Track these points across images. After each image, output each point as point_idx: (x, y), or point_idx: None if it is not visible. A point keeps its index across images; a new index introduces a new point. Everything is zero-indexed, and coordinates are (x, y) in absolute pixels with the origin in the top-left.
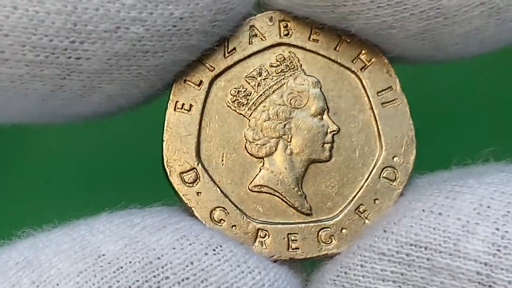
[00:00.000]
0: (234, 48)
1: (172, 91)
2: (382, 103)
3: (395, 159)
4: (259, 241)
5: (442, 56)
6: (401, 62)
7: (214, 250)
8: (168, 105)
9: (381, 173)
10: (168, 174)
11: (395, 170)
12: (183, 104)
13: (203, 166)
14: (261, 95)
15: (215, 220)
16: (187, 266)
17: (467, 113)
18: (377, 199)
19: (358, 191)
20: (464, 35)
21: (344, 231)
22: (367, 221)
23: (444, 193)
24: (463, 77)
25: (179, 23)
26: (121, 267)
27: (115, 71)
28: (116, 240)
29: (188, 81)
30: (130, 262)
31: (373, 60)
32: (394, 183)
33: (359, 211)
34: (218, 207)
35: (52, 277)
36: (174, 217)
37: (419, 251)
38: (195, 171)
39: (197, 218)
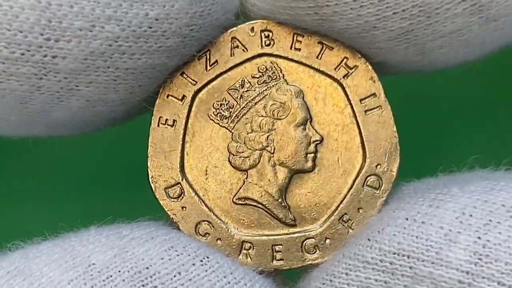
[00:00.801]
0: (216, 61)
1: (155, 107)
2: (365, 111)
3: (378, 167)
4: (244, 253)
5: (428, 62)
6: (386, 70)
7: (201, 261)
8: (152, 120)
9: (364, 182)
10: (153, 189)
11: (378, 178)
12: (166, 119)
13: (187, 180)
14: (244, 107)
15: (200, 234)
16: (175, 276)
17: (453, 120)
18: (361, 208)
19: (342, 201)
20: (448, 36)
21: (328, 241)
22: (351, 230)
23: (427, 202)
24: (450, 83)
25: (155, 24)
26: (111, 276)
27: (92, 72)
28: (105, 250)
29: (171, 96)
30: (119, 271)
31: (356, 66)
32: (378, 192)
33: (343, 221)
34: (203, 220)
35: (43, 285)
36: (162, 230)
37: (402, 260)
38: (180, 186)
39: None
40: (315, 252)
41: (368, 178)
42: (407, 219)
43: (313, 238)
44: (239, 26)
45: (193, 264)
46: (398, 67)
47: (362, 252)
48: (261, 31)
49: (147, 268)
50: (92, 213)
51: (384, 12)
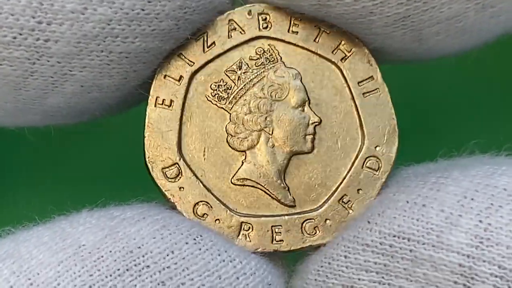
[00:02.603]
0: (214, 43)
1: (152, 87)
2: (363, 93)
3: (377, 148)
4: (243, 234)
5: (425, 49)
6: (384, 58)
7: (195, 239)
8: (149, 101)
9: (363, 163)
10: (150, 170)
11: (378, 160)
12: (163, 99)
13: (185, 161)
14: (242, 88)
15: (198, 215)
16: (167, 255)
17: (453, 105)
18: (360, 189)
19: (341, 182)
20: (445, 22)
21: (328, 222)
22: (351, 211)
23: (428, 185)
24: (450, 66)
25: (148, 7)
26: (102, 256)
27: (85, 56)
28: (96, 231)
29: (168, 76)
30: (110, 251)
31: (353, 50)
32: (377, 173)
33: (343, 202)
34: (201, 201)
35: (32, 267)
36: (154, 209)
37: (402, 242)
38: (177, 166)
39: (180, 213)
40: (315, 234)
41: (367, 159)
42: (407, 202)
43: (313, 219)
44: (236, 9)
45: (186, 243)
46: (395, 54)
47: (361, 235)
48: (259, 14)
49: (139, 247)
50: (86, 200)
51: None
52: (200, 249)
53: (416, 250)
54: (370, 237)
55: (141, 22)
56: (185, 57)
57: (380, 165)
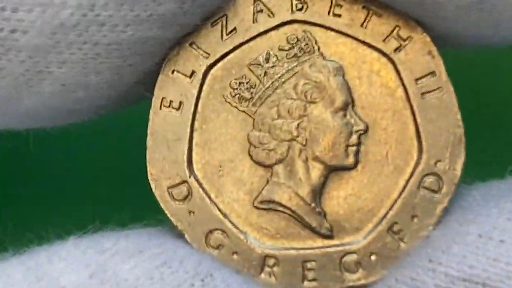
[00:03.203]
0: (235, 28)
1: (156, 85)
2: (422, 93)
3: (438, 164)
4: (267, 271)
5: (501, 36)
6: (448, 45)
7: (203, 280)
8: (152, 102)
9: (420, 182)
10: (153, 189)
11: (438, 179)
12: (170, 101)
13: (196, 178)
14: (269, 87)
15: (211, 246)
16: None
17: None
18: (415, 215)
19: (392, 206)
20: None
21: (373, 257)
22: (403, 244)
23: (505, 214)
24: None
25: None
26: None
27: (64, 50)
28: (80, 269)
29: (177, 71)
30: None
31: (410, 38)
32: (437, 195)
33: (392, 232)
34: (216, 229)
35: None
36: (155, 240)
37: None
38: (187, 185)
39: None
40: (357, 271)
41: (425, 178)
42: (480, 236)
43: (354, 253)
44: None
45: (192, 285)
46: (463, 41)
47: (422, 277)
48: None
49: None
50: (93, 214)
51: None
52: None
53: None
54: (433, 280)
55: (133, 7)
56: (198, 47)
57: (441, 185)
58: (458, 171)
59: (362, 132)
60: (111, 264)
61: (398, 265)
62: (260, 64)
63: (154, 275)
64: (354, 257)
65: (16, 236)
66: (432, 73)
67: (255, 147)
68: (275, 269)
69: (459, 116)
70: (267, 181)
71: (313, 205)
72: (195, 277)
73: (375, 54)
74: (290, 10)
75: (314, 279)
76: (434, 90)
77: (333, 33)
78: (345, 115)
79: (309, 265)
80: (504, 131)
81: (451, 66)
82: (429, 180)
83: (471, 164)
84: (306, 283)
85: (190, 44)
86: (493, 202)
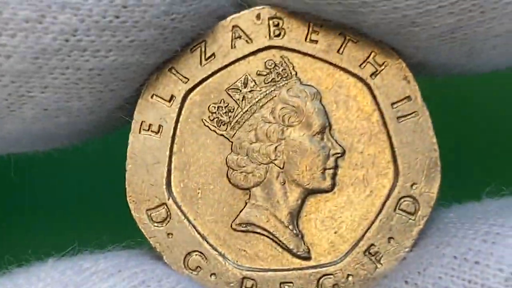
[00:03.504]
0: (213, 54)
1: (136, 109)
2: (397, 117)
3: (414, 187)
4: None
5: (475, 64)
6: (423, 72)
7: None
8: (132, 126)
9: (397, 205)
10: (132, 211)
11: (414, 201)
12: (150, 124)
13: (174, 201)
14: (247, 111)
15: (190, 268)
16: None
17: (500, 129)
18: (392, 237)
19: (369, 228)
20: (505, 35)
21: (350, 278)
22: (379, 265)
23: (480, 235)
24: (499, 83)
25: (123, 13)
26: None
27: (46, 74)
28: None
29: (157, 96)
30: None
31: (386, 63)
32: (413, 217)
33: (369, 253)
34: (194, 251)
35: None
36: (133, 260)
37: None
38: (165, 207)
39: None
40: None
41: (402, 200)
42: (455, 257)
43: (332, 275)
44: (242, 12)
45: None
46: (437, 69)
47: None
48: (269, 18)
49: None
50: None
51: (428, 4)
52: None
53: None
54: None
55: (115, 32)
56: (177, 72)
57: (417, 207)
58: (434, 194)
59: (339, 155)
60: (89, 284)
61: (375, 287)
62: (238, 89)
63: None
64: (331, 278)
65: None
66: (408, 98)
67: (233, 170)
68: None
69: (434, 140)
70: (245, 204)
71: (290, 227)
72: None
73: (352, 79)
74: (268, 36)
75: None
76: (410, 114)
77: (310, 59)
78: (322, 139)
79: (286, 286)
80: (481, 154)
81: (427, 90)
82: (405, 202)
83: (448, 186)
84: None
85: (170, 70)
86: (469, 224)
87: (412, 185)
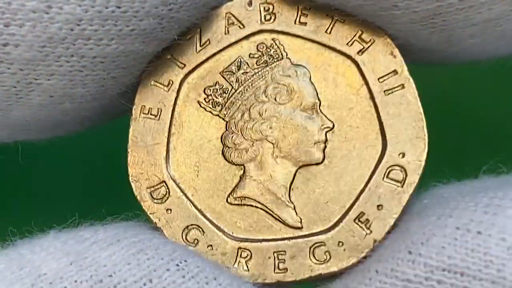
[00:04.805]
0: (208, 40)
1: (137, 94)
2: (384, 91)
3: (402, 156)
4: (240, 262)
5: (454, 52)
6: (405, 57)
7: (178, 265)
8: (133, 111)
9: (385, 174)
10: (134, 189)
11: (402, 170)
12: (150, 108)
13: (173, 179)
14: (241, 91)
15: (188, 241)
16: (144, 284)
17: (498, 104)
18: (381, 205)
19: (358, 197)
20: (482, 25)
21: (341, 246)
22: (369, 232)
23: (481, 207)
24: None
25: (124, 4)
26: (65, 287)
27: (52, 62)
28: (60, 257)
29: (155, 81)
30: (75, 281)
31: (372, 40)
32: (401, 185)
33: (359, 221)
34: (192, 225)
35: None
36: (132, 230)
37: (454, 278)
38: (165, 185)
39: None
40: (326, 260)
41: (390, 169)
42: (457, 228)
43: (323, 242)
44: (234, 0)
45: (167, 270)
46: (418, 54)
47: (402, 268)
48: (261, 4)
49: (110, 276)
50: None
51: None
52: (184, 277)
53: (472, 287)
54: (414, 270)
55: (117, 22)
56: (175, 59)
57: (405, 176)
58: (422, 162)
59: (328, 129)
60: (90, 252)
61: (379, 257)
62: (232, 71)
63: (131, 261)
64: (323, 246)
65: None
66: (394, 72)
67: (228, 147)
68: (248, 260)
69: (421, 110)
70: (240, 178)
71: (283, 198)
72: (170, 263)
73: (340, 57)
74: (259, 21)
75: (285, 269)
76: (396, 87)
77: (300, 40)
78: (312, 114)
79: (280, 255)
80: (478, 134)
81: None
82: (394, 171)
83: (446, 166)
84: (277, 272)
85: (168, 57)
86: (469, 197)
87: (399, 154)
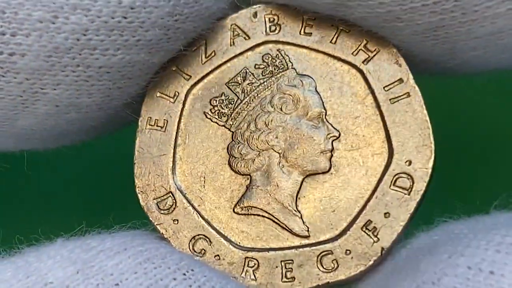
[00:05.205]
0: (213, 52)
1: (143, 106)
2: (390, 99)
3: (409, 164)
4: (248, 271)
5: (457, 63)
6: (408, 67)
7: (184, 274)
8: (139, 122)
9: (392, 182)
10: (141, 200)
11: (409, 177)
12: (156, 120)
13: (180, 189)
14: (247, 102)
15: (195, 252)
16: None
17: (498, 109)
18: (388, 213)
19: (365, 205)
20: (485, 38)
21: (349, 254)
22: (377, 240)
23: (493, 246)
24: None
25: (131, 14)
26: None
27: (59, 72)
28: (66, 265)
29: (161, 93)
30: None
31: (377, 50)
32: (409, 193)
33: (367, 229)
34: (199, 235)
35: None
36: (139, 239)
37: None
38: (171, 195)
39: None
40: (334, 269)
41: (397, 177)
42: (469, 267)
43: (331, 251)
44: (240, 12)
45: (174, 279)
46: (421, 65)
47: None
48: (266, 15)
49: (117, 284)
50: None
51: (412, 2)
52: (190, 286)
53: None
54: None
55: (123, 32)
56: (180, 70)
57: (412, 183)
58: (429, 169)
59: (334, 138)
60: (97, 261)
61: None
62: (238, 82)
63: (137, 270)
64: (331, 255)
65: (6, 238)
66: (400, 80)
67: (235, 157)
68: (255, 269)
69: (427, 118)
70: (247, 188)
71: (290, 208)
72: (176, 272)
73: (345, 66)
74: (265, 32)
75: (292, 278)
76: (402, 95)
77: (305, 50)
78: (318, 124)
79: (287, 264)
80: (484, 141)
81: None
82: (401, 179)
83: (457, 201)
84: (285, 281)
85: (173, 68)
86: (481, 234)
87: (406, 162)
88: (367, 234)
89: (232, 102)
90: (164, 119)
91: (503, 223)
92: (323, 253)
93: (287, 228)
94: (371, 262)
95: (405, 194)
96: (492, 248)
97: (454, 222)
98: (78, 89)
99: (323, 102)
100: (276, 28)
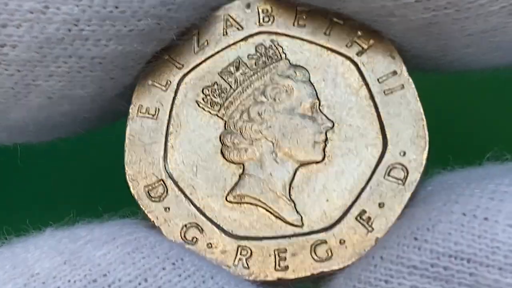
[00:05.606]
0: (206, 42)
1: (134, 94)
2: (384, 91)
3: (403, 154)
4: (240, 260)
5: (449, 60)
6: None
7: (174, 264)
8: (130, 110)
9: (386, 172)
10: (131, 188)
11: (404, 168)
12: (147, 108)
13: (171, 177)
14: (239, 92)
15: (187, 240)
16: (139, 283)
17: (493, 98)
18: (383, 203)
19: (359, 195)
20: (478, 35)
21: (343, 244)
22: (371, 230)
23: (487, 194)
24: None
25: (123, 4)
26: (58, 287)
27: (50, 63)
28: (53, 256)
29: (153, 81)
30: (69, 280)
31: (372, 42)
32: (403, 183)
33: (361, 219)
34: (190, 223)
35: None
36: (127, 228)
37: (460, 264)
38: (162, 183)
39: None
40: (328, 258)
41: (391, 167)
42: (464, 214)
43: (325, 240)
44: (233, 2)
45: (163, 268)
46: (414, 61)
47: (407, 254)
48: (259, 6)
49: (105, 275)
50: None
51: None
52: (179, 275)
53: (479, 273)
54: (419, 257)
55: (115, 22)
56: (173, 59)
57: (406, 174)
58: (423, 160)
59: (328, 129)
60: (84, 251)
61: (384, 244)
62: (230, 72)
63: (126, 260)
64: (325, 244)
65: None
66: (394, 72)
67: (227, 147)
68: (248, 258)
69: (421, 110)
70: (239, 177)
71: (283, 197)
72: (166, 261)
73: (339, 58)
74: (258, 23)
75: (286, 267)
76: (396, 87)
77: (298, 41)
78: (312, 114)
79: (281, 253)
80: (478, 132)
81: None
82: (395, 169)
83: (449, 154)
84: (278, 270)
85: (166, 57)
86: (475, 183)
87: (400, 153)
88: (361, 224)
89: (224, 92)
90: (156, 107)
91: (496, 173)
92: (317, 243)
93: (280, 217)
94: (365, 252)
95: (399, 184)
96: (486, 196)
97: (448, 173)
98: (71, 81)
99: (316, 93)
100: (269, 19)
